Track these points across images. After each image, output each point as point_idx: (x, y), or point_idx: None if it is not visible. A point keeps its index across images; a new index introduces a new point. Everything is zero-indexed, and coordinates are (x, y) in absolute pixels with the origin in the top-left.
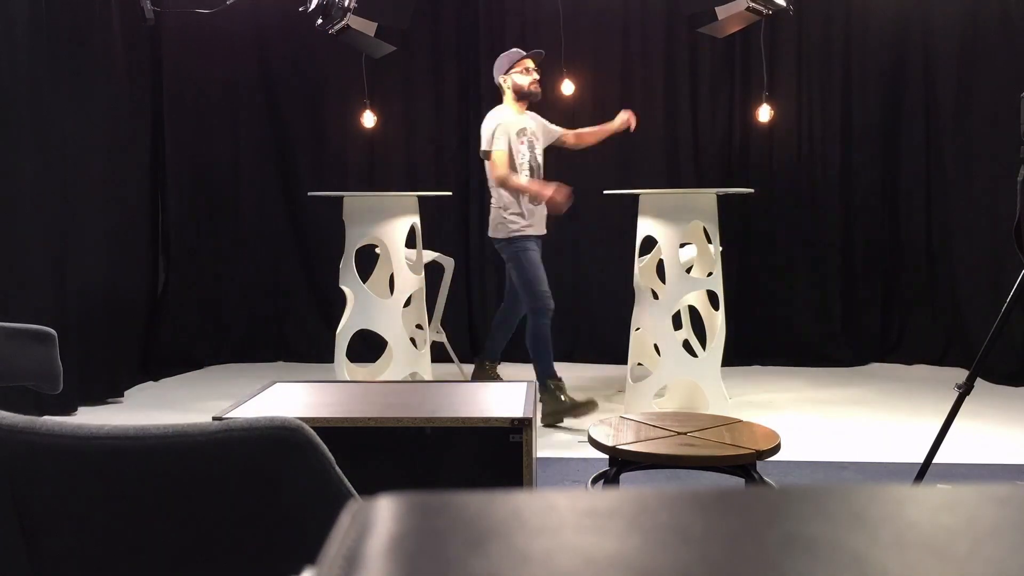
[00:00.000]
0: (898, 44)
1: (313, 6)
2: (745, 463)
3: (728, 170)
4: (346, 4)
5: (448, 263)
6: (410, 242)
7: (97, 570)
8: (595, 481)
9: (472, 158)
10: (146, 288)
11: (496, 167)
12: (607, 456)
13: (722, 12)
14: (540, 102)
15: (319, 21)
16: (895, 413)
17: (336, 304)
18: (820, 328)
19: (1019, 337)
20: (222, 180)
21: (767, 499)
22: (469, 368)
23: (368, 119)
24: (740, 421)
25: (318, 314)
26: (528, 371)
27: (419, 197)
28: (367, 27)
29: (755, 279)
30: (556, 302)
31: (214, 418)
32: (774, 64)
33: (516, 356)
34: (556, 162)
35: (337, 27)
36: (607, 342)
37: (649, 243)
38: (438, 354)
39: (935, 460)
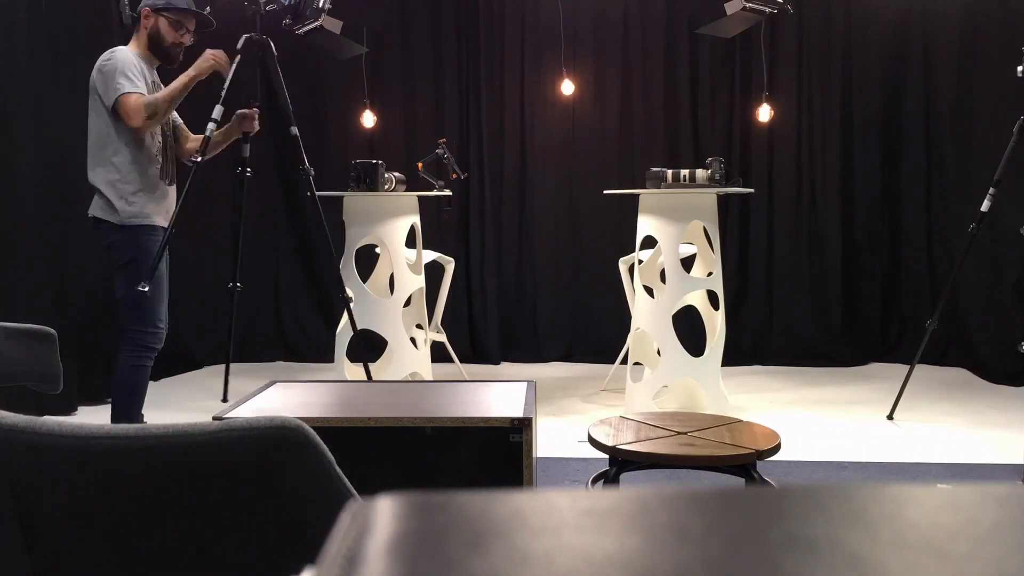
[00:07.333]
0: (898, 44)
1: (283, 5)
2: (745, 463)
3: (728, 170)
4: (321, 4)
5: (448, 263)
6: (410, 242)
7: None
8: (595, 481)
9: (471, 158)
10: None
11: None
12: (607, 456)
13: (728, 11)
14: (543, 104)
15: (287, 20)
16: (895, 413)
17: (336, 304)
18: (820, 328)
19: (1019, 337)
20: (222, 180)
21: (767, 499)
22: (469, 368)
23: (368, 119)
24: (740, 421)
25: (318, 314)
26: (528, 371)
27: (419, 197)
28: (334, 27)
29: (755, 279)
30: (556, 302)
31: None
32: (774, 64)
33: (517, 356)
34: (554, 163)
35: (308, 27)
36: (605, 341)
37: (649, 243)
38: (438, 354)
39: (935, 460)
